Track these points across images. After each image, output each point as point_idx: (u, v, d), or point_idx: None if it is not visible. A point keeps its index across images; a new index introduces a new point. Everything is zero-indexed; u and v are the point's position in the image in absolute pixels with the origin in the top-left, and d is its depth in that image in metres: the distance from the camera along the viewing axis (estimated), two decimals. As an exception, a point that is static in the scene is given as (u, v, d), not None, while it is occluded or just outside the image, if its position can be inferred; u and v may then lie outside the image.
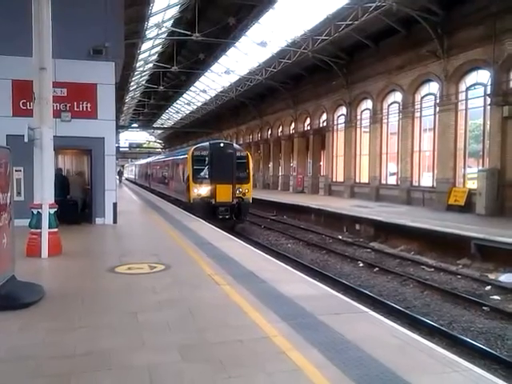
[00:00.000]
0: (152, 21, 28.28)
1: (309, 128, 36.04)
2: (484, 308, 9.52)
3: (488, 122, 19.42)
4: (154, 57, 39.50)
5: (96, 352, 4.59)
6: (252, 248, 11.48)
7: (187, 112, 60.59)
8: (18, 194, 12.22)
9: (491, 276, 12.27)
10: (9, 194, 6.58)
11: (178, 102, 57.31)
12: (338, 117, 31.88)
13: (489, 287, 11.20)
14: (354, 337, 4.97)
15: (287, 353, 4.55)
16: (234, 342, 4.86)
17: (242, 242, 12.42)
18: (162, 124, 78.30)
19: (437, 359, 4.54)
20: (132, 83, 44.85)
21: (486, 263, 13.10)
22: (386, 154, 26.81)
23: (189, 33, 28.08)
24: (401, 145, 24.98)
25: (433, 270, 13.18)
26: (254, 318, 5.58)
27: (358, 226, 19.43)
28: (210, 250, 10.32)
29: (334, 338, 4.94)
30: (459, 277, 12.26)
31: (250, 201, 20.89)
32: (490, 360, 6.99)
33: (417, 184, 24.18)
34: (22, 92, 12.62)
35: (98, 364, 4.33)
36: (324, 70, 30.42)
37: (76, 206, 14.77)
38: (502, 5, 17.70)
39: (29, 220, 9.59)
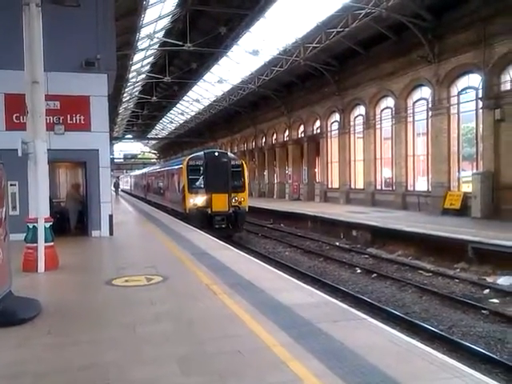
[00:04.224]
0: (144, 32, 28.33)
1: (303, 135, 36.12)
2: (483, 311, 9.51)
3: (481, 126, 19.50)
4: (147, 67, 39.53)
5: (94, 366, 4.56)
6: (249, 257, 11.48)
7: (181, 122, 60.60)
8: (14, 208, 12.15)
9: (489, 279, 12.27)
10: (4, 209, 6.54)
11: (171, 112, 57.31)
12: (332, 123, 31.98)
13: (487, 290, 11.19)
14: (354, 344, 4.95)
15: (287, 363, 4.51)
16: (232, 353, 4.82)
17: (239, 251, 12.39)
18: (156, 134, 78.33)
19: (437, 365, 4.52)
20: (125, 94, 44.83)
21: (483, 266, 13.10)
22: (381, 159, 26.87)
23: (180, 43, 28.11)
24: (395, 150, 25.06)
25: (431, 274, 13.18)
26: (253, 328, 5.55)
27: (354, 232, 19.43)
28: (207, 259, 10.28)
29: (333, 346, 4.91)
30: (457, 281, 12.25)
31: (247, 209, 20.89)
32: (490, 364, 6.96)
33: (412, 189, 24.23)
34: (15, 106, 12.59)
35: (96, 378, 4.29)
36: (316, 77, 30.59)
37: (63, 218, 14.72)
38: (491, 9, 17.85)
39: (24, 234, 9.54)
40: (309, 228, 23.46)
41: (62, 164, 15.81)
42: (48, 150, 9.88)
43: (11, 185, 11.41)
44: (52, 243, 9.65)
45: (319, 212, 23.41)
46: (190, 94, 46.04)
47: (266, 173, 43.75)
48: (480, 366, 6.72)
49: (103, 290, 7.80)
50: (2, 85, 13.04)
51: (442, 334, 8.24)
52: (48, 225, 9.61)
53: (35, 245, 9.31)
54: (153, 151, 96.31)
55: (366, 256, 16.26)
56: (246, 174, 21.46)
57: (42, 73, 9.59)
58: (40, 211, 9.44)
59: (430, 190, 22.34)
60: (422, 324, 8.77)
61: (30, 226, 9.48)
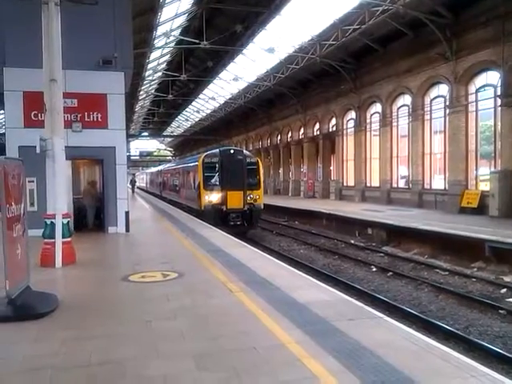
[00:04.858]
0: (160, 30, 28.46)
1: (318, 133, 36.00)
2: (500, 311, 9.42)
3: (499, 123, 19.25)
4: (163, 65, 39.71)
5: (111, 361, 4.61)
6: (264, 254, 11.46)
7: (196, 119, 60.78)
8: (31, 204, 12.32)
9: (507, 278, 12.13)
10: (22, 205, 6.64)
11: (187, 109, 57.52)
12: (348, 121, 31.82)
13: (504, 290, 11.07)
14: (370, 343, 4.94)
15: (303, 360, 4.52)
16: (248, 350, 4.84)
17: (253, 248, 12.40)
18: (171, 132, 78.67)
19: (453, 364, 4.49)
20: (141, 92, 45.10)
21: (500, 265, 12.95)
22: (397, 157, 26.69)
23: (197, 41, 28.18)
24: (411, 148, 24.84)
25: (447, 273, 13.07)
26: (269, 325, 5.56)
27: (370, 231, 19.32)
28: (223, 256, 10.32)
29: (349, 345, 4.90)
30: (474, 280, 12.14)
31: (262, 207, 20.90)
32: (508, 364, 6.88)
33: (428, 187, 24.02)
34: (34, 103, 12.73)
35: (113, 374, 4.35)
36: (332, 74, 30.39)
37: (81, 214, 14.98)
38: (509, 6, 17.59)
39: (42, 230, 9.66)
40: (324, 226, 23.38)
41: (79, 161, 15.96)
42: (66, 147, 10.00)
43: (29, 181, 11.52)
44: (69, 239, 9.77)
45: (334, 210, 23.30)
46: (205, 91, 46.14)
47: (281, 170, 43.71)
48: (497, 366, 6.66)
49: (120, 286, 7.88)
50: (20, 83, 13.21)
51: (459, 333, 8.17)
52: (66, 221, 9.72)
53: (53, 240, 9.42)
54: (168, 148, 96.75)
55: (382, 254, 16.18)
56: (262, 171, 21.44)
57: (60, 71, 9.70)
58: (58, 207, 9.55)
59: (446, 188, 22.11)
60: (438, 323, 8.71)
61: (48, 222, 9.60)
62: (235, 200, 19.78)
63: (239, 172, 20.05)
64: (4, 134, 14.80)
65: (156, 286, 7.70)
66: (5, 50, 13.30)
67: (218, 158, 20.45)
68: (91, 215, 15.41)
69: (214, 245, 12.12)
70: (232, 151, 21.26)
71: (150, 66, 36.46)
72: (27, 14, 11.93)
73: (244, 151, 23.07)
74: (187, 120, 64.66)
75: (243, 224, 20.04)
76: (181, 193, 27.92)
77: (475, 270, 13.32)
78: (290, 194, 39.97)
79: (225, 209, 19.71)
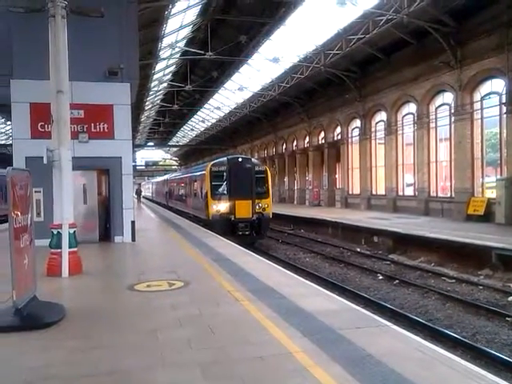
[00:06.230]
0: (165, 41, 28.69)
1: (323, 141, 36.05)
2: (508, 319, 9.35)
3: (504, 131, 19.23)
4: (168, 76, 39.94)
5: (118, 371, 4.61)
6: (270, 263, 11.43)
7: (202, 129, 61.04)
8: (38, 214, 12.38)
9: (514, 286, 12.07)
10: (29, 215, 6.68)
11: (192, 119, 57.78)
12: (353, 129, 31.87)
13: (512, 297, 11.02)
14: (377, 351, 4.92)
15: (310, 369, 4.50)
16: (255, 359, 4.83)
17: (259, 257, 12.38)
18: (177, 142, 78.97)
19: (461, 372, 4.46)
20: (147, 103, 45.36)
21: (508, 273, 12.87)
22: (402, 165, 26.67)
23: (202, 52, 28.38)
24: (417, 155, 24.83)
25: (454, 281, 13.00)
26: (275, 334, 5.55)
27: (376, 239, 19.26)
28: (229, 265, 10.31)
29: (356, 353, 4.88)
30: (481, 287, 12.07)
31: (270, 216, 20.59)
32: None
33: (434, 194, 23.96)
34: (40, 115, 12.86)
35: (120, 383, 4.35)
36: (337, 83, 30.50)
37: None
38: (514, 13, 17.65)
39: (49, 240, 9.70)
40: (329, 234, 23.35)
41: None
42: (72, 157, 10.05)
43: (36, 191, 11.59)
44: (76, 249, 9.79)
45: (340, 218, 23.27)
46: (211, 101, 46.39)
47: (286, 179, 43.73)
48: (505, 374, 6.61)
49: (126, 295, 7.88)
50: (28, 94, 13.34)
51: (466, 341, 8.12)
52: (72, 230, 9.76)
53: (59, 250, 9.45)
54: (174, 158, 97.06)
55: (388, 262, 16.12)
56: (270, 180, 21.28)
57: (66, 82, 9.79)
58: (64, 217, 9.60)
59: (453, 195, 22.06)
60: (445, 331, 8.66)
61: (55, 232, 9.65)
62: (243, 209, 19.52)
63: (247, 181, 19.78)
64: (11, 144, 14.91)
65: (162, 295, 7.70)
66: (12, 62, 13.43)
67: (226, 167, 20.16)
68: (101, 224, 15.38)
69: (219, 254, 12.11)
70: (240, 159, 20.95)
71: (155, 76, 36.71)
72: (34, 26, 12.01)
73: (252, 159, 22.85)
74: (192, 130, 64.94)
75: (251, 234, 19.78)
76: (187, 202, 27.86)
77: (482, 277, 13.25)
78: (295, 203, 39.97)
79: (233, 218, 19.41)
